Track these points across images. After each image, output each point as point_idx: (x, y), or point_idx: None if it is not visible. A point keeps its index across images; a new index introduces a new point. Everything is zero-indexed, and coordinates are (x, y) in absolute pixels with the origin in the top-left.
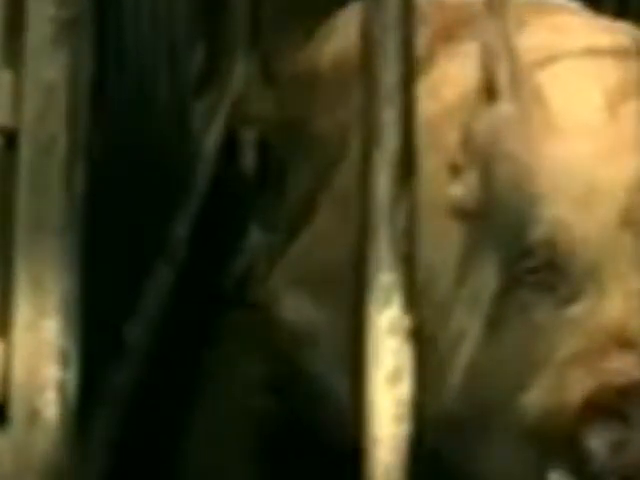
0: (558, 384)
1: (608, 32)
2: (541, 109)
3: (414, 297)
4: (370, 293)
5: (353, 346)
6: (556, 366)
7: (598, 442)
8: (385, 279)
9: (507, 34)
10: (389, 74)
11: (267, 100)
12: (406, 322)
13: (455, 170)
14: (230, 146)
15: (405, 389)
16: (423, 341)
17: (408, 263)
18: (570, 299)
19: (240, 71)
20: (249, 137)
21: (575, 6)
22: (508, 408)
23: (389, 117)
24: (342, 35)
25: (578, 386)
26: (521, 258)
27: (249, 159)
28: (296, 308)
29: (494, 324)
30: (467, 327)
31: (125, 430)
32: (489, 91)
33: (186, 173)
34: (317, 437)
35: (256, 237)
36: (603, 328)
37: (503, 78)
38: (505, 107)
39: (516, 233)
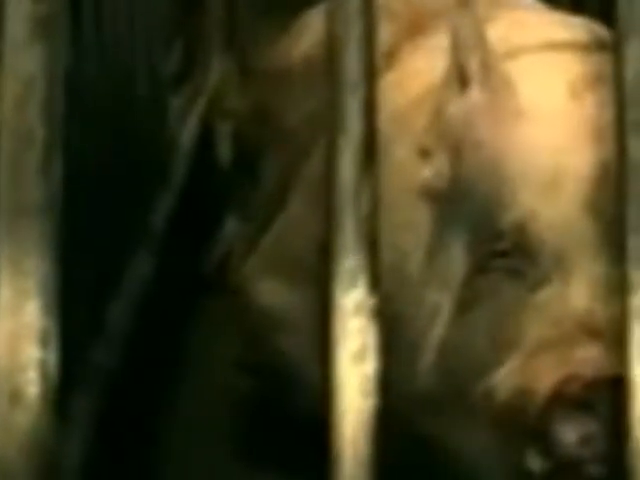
0: (527, 369)
1: (566, 27)
2: (510, 97)
3: (378, 279)
4: (336, 275)
5: (321, 326)
6: (525, 350)
7: (566, 433)
8: (350, 262)
9: (478, 25)
10: (352, 66)
11: (242, 95)
12: (371, 303)
13: (425, 155)
14: (206, 139)
15: (370, 366)
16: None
17: (372, 246)
18: (538, 285)
19: (216, 67)
20: (224, 130)
21: (533, 2)
22: (479, 387)
23: (353, 106)
24: (312, 31)
25: (546, 374)
26: (491, 242)
27: (225, 151)
28: (270, 293)
29: (464, 306)
30: (438, 308)
31: (106, 408)
32: (460, 80)
33: (164, 164)
34: (290, 414)
35: (232, 225)
36: (570, 315)
37: (474, 67)
38: (475, 95)
39: (485, 217)
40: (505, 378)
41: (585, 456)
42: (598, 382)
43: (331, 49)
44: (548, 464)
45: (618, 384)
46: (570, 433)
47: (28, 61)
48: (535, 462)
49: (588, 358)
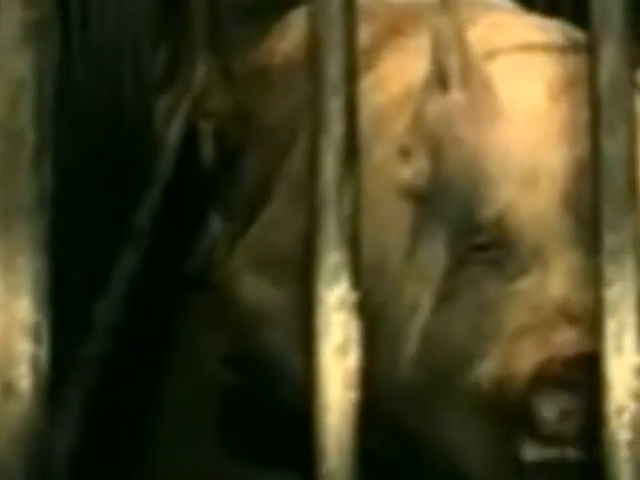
0: (508, 355)
1: (543, 29)
2: (489, 98)
3: (360, 275)
4: (319, 271)
5: (305, 321)
6: (506, 338)
7: (547, 410)
8: (333, 258)
9: (458, 27)
10: (334, 67)
11: (225, 95)
12: (353, 298)
13: (405, 154)
14: (191, 138)
15: (353, 359)
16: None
17: (354, 243)
18: (517, 275)
19: (200, 68)
20: (209, 129)
21: (508, 5)
22: (461, 376)
23: (335, 106)
24: (293, 33)
25: (527, 358)
26: (471, 236)
27: (209, 150)
28: (254, 288)
29: (446, 298)
30: (419, 301)
31: (95, 400)
32: (441, 80)
33: (150, 163)
34: (274, 407)
35: (216, 222)
36: (548, 303)
37: (454, 68)
38: (456, 95)
39: (465, 212)
40: (488, 366)
41: (566, 432)
42: (577, 361)
43: (313, 50)
44: (534, 449)
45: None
46: (551, 410)
47: (19, 64)
48: (521, 448)
49: (566, 340)
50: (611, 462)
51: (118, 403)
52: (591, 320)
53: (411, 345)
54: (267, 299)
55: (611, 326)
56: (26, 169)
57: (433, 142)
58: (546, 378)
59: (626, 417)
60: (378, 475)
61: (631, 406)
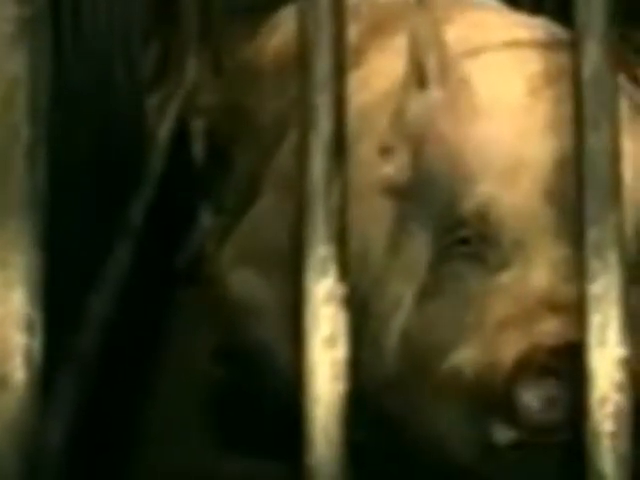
0: (491, 345)
1: (526, 27)
2: (468, 95)
3: (348, 268)
4: (307, 264)
5: (293, 314)
6: (489, 329)
7: (530, 398)
8: (321, 252)
9: (436, 26)
10: (322, 64)
11: (216, 91)
12: (341, 291)
13: (386, 152)
14: (182, 134)
15: (341, 351)
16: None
17: (342, 237)
18: (499, 268)
19: (191, 65)
20: (199, 126)
21: (494, 3)
22: (442, 365)
23: (323, 103)
24: (283, 31)
25: (510, 347)
26: (453, 230)
27: (199, 146)
28: (243, 282)
29: (429, 291)
30: (402, 294)
31: (88, 391)
32: (419, 79)
33: (142, 159)
34: (262, 399)
35: (206, 218)
36: (531, 294)
37: (433, 67)
38: (435, 93)
39: (448, 207)
40: (471, 355)
41: (549, 421)
42: (559, 350)
43: (302, 48)
44: (514, 434)
45: (580, 351)
46: (534, 399)
47: (13, 62)
48: (501, 434)
49: (549, 329)
50: (594, 452)
51: (110, 396)
52: (575, 313)
53: (394, 338)
54: (256, 292)
55: (595, 320)
56: (20, 165)
57: (414, 139)
58: (528, 367)
59: (609, 408)
60: (365, 466)
61: (614, 397)
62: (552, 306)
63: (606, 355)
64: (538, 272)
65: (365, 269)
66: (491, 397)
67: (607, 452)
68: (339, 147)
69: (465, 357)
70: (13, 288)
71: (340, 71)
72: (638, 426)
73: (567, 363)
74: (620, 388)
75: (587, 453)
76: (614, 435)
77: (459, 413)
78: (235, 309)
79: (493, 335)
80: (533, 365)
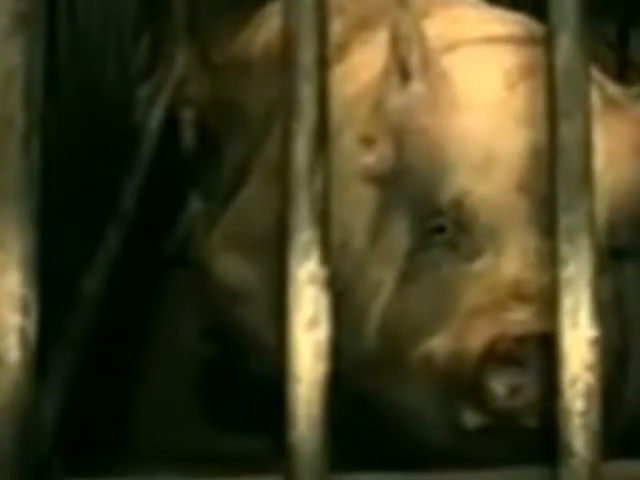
0: (462, 332)
1: (504, 23)
2: (447, 88)
3: (330, 252)
4: (291, 248)
5: (277, 296)
6: (460, 316)
7: (497, 385)
8: (304, 236)
9: (416, 21)
10: (306, 57)
11: (205, 83)
12: (323, 273)
13: (368, 142)
14: (171, 125)
15: (323, 332)
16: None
17: (324, 221)
18: (473, 256)
19: (181, 57)
20: (188, 117)
21: (473, 0)
22: (418, 350)
23: (307, 94)
24: (270, 24)
25: (480, 334)
26: (431, 219)
27: (188, 136)
28: (230, 267)
29: (407, 278)
30: (382, 280)
31: (80, 370)
32: (401, 72)
33: (132, 148)
34: (249, 379)
35: (195, 205)
36: (502, 283)
37: (414, 61)
38: (416, 86)
39: (426, 196)
40: (443, 342)
41: (515, 407)
42: (527, 339)
43: (287, 41)
44: (481, 419)
45: (548, 341)
46: (501, 387)
47: (9, 53)
48: (469, 418)
49: (517, 319)
50: (565, 430)
51: (101, 375)
52: (547, 298)
53: (374, 321)
54: (243, 276)
55: (567, 303)
56: (16, 152)
57: (395, 130)
58: (496, 354)
59: (580, 387)
60: (343, 443)
61: (585, 377)
62: (521, 296)
63: (578, 337)
64: (510, 261)
65: (347, 255)
66: (460, 383)
67: (578, 430)
68: (322, 136)
69: (437, 343)
70: (8, 269)
71: (323, 63)
72: (608, 405)
73: (534, 352)
74: (591, 368)
75: (558, 431)
76: (584, 413)
77: (431, 397)
78: (222, 292)
79: (464, 322)
80: (500, 353)
